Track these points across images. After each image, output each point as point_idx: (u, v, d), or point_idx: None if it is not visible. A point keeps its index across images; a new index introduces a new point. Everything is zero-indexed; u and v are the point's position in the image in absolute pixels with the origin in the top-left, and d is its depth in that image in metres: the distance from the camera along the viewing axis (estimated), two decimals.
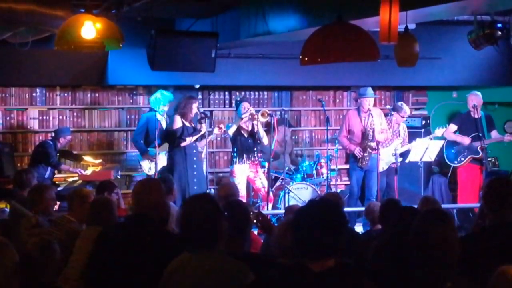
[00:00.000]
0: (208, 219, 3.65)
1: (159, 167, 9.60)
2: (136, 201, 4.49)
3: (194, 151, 9.46)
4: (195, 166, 9.39)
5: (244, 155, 9.63)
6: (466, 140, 10.22)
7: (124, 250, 4.29)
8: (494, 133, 10.45)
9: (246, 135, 9.68)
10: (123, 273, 4.25)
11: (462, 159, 10.29)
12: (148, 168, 9.82)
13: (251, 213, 4.86)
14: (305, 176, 10.41)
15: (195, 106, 9.46)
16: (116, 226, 4.89)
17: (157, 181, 4.79)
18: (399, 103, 10.77)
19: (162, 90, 9.91)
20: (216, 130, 9.70)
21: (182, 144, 9.32)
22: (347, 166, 10.88)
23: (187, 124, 9.36)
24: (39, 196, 6.38)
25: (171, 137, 9.38)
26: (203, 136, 9.50)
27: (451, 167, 10.49)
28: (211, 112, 11.08)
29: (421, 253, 3.54)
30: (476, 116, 10.23)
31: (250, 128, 9.69)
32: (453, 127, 10.48)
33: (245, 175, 9.70)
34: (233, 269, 3.65)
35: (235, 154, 9.68)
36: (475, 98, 10.24)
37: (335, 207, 3.28)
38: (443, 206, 6.91)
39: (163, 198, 4.70)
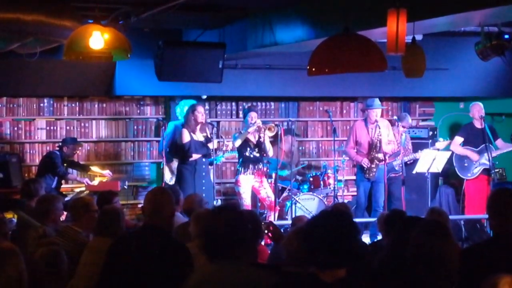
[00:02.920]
0: (234, 229, 3.57)
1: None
2: (151, 211, 4.44)
3: (204, 166, 9.46)
4: (203, 181, 9.39)
5: (250, 166, 9.62)
6: (474, 157, 10.22)
7: (138, 262, 4.26)
8: (500, 142, 10.43)
9: (252, 146, 9.67)
10: (136, 285, 4.23)
11: (475, 171, 10.29)
12: (169, 178, 9.79)
13: (262, 223, 4.87)
14: (312, 186, 10.39)
15: (199, 112, 9.42)
16: (129, 237, 4.84)
17: (169, 191, 4.74)
18: (404, 113, 10.78)
19: (184, 100, 9.91)
20: (226, 152, 9.71)
21: (190, 159, 9.34)
22: (353, 177, 10.86)
23: (195, 137, 9.37)
24: (47, 207, 6.37)
25: (180, 152, 9.39)
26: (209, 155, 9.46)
27: (464, 180, 10.47)
28: (218, 122, 11.07)
29: (420, 265, 3.55)
30: (480, 127, 10.22)
31: (256, 139, 9.67)
32: (459, 139, 10.46)
33: (250, 184, 9.67)
34: (259, 279, 3.57)
35: (240, 165, 9.67)
36: (481, 109, 10.24)
37: (347, 217, 3.29)
38: (450, 217, 6.87)
39: (175, 209, 4.69)
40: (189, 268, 4.24)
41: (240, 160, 9.68)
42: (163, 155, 9.76)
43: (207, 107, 11.15)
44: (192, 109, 9.44)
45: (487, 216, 4.72)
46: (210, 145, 9.35)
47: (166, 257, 4.24)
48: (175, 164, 9.67)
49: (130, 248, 4.38)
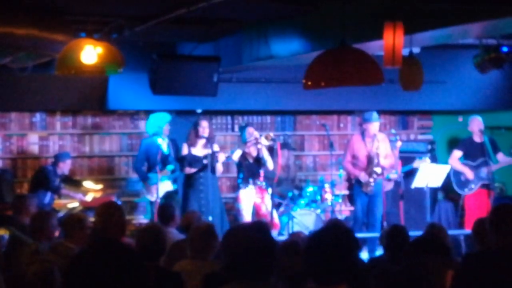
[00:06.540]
0: (265, 249, 3.39)
1: (161, 193, 9.47)
2: (101, 223, 4.45)
3: (201, 179, 9.38)
4: (201, 195, 9.33)
5: (250, 180, 9.53)
6: (470, 175, 10.12)
7: (97, 276, 4.24)
8: (501, 156, 10.32)
9: (251, 160, 9.58)
10: None
11: (473, 186, 10.17)
12: (150, 196, 9.71)
13: None
14: (310, 201, 10.28)
15: (201, 127, 9.38)
16: (85, 255, 4.80)
17: (117, 204, 4.97)
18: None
19: (153, 114, 9.83)
20: (222, 157, 9.63)
21: (185, 172, 9.39)
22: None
23: (194, 151, 9.34)
24: (41, 224, 6.32)
25: (179, 163, 9.50)
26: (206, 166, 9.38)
27: (462, 196, 10.36)
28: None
29: (410, 282, 3.57)
30: (480, 140, 10.13)
31: (255, 153, 9.58)
32: (457, 153, 10.37)
33: (252, 201, 9.59)
34: None
35: (241, 180, 9.58)
36: (480, 123, 10.15)
37: (348, 232, 3.25)
38: (449, 232, 6.78)
39: (125, 221, 4.78)
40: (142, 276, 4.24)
41: (240, 174, 9.60)
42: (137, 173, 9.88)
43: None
44: (196, 123, 9.41)
45: None
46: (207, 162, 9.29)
47: (122, 267, 4.23)
48: (155, 183, 9.55)
49: (88, 266, 4.37)
